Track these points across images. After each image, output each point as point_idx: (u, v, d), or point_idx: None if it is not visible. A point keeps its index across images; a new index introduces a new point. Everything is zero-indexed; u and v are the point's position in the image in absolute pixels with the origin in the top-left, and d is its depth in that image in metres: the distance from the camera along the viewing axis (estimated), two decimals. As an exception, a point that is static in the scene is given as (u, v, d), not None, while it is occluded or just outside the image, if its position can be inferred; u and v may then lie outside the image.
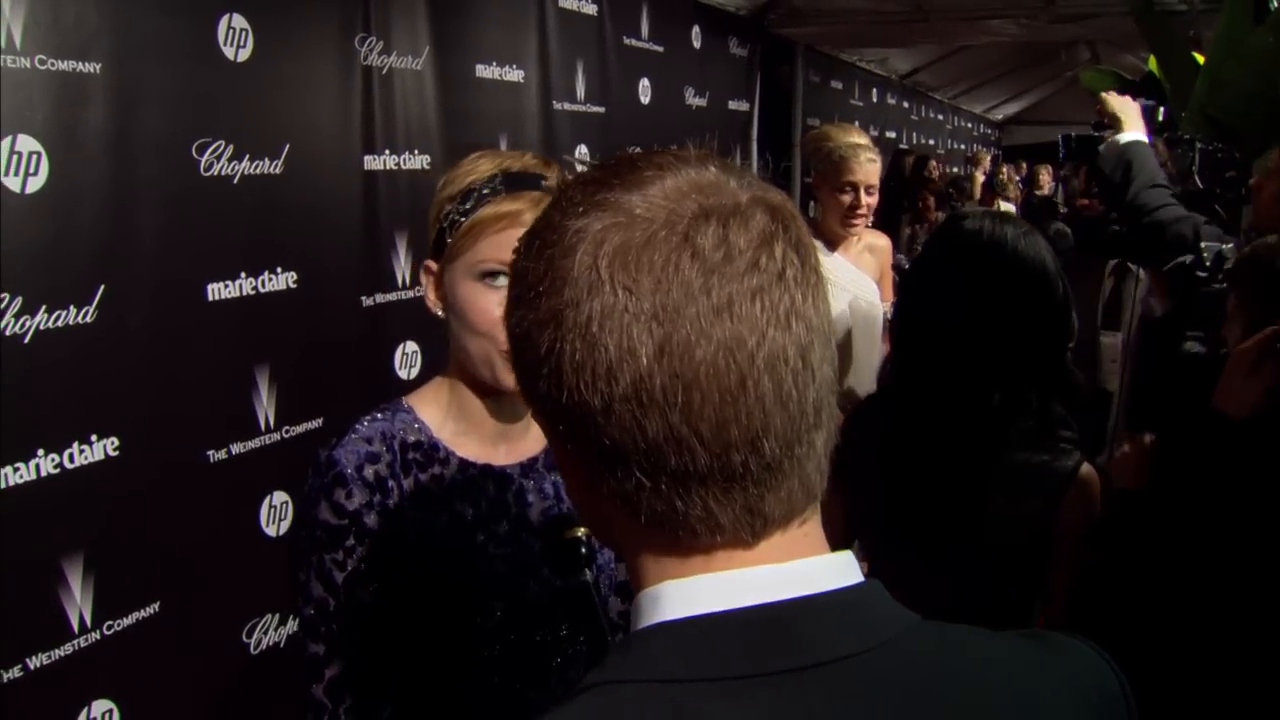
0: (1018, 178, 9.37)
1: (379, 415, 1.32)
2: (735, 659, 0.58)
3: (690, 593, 0.61)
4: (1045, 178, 9.06)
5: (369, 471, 1.26)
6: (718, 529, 0.61)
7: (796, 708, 0.58)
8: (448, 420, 1.34)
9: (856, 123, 7.39)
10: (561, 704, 0.60)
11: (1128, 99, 2.77)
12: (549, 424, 0.64)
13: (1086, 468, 1.62)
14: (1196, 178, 2.68)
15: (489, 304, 1.24)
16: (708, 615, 0.60)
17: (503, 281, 1.23)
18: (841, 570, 0.64)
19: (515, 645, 1.32)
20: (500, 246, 1.22)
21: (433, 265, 1.31)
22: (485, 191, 1.25)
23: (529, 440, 1.38)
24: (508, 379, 1.24)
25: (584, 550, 1.23)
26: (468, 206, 1.25)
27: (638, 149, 0.69)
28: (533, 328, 0.61)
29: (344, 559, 1.24)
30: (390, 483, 1.27)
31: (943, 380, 1.64)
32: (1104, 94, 2.76)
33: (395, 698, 1.28)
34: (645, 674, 0.59)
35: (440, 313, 1.31)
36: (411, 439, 1.30)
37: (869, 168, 2.99)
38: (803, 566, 0.62)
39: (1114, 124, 2.64)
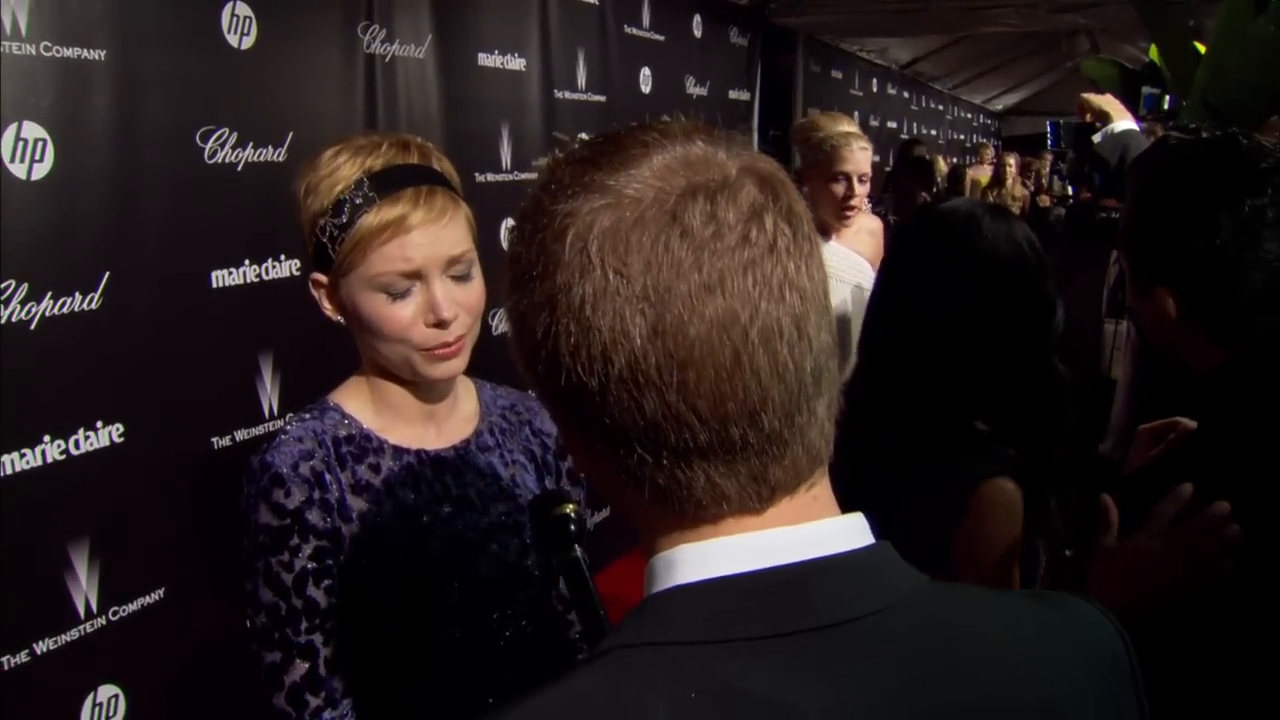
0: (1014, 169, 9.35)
1: (306, 416, 1.31)
2: (751, 620, 0.59)
3: (704, 556, 0.61)
4: (1011, 166, 9.02)
5: (305, 469, 1.24)
6: (724, 499, 0.61)
7: (812, 668, 0.58)
8: (375, 413, 1.33)
9: (856, 113, 7.40)
10: (579, 668, 0.60)
11: (1108, 95, 2.84)
12: (551, 404, 0.65)
13: (993, 483, 1.43)
14: None
15: (395, 313, 1.23)
16: (722, 578, 0.60)
17: (404, 291, 1.22)
18: (853, 532, 0.64)
19: (475, 625, 1.31)
20: (391, 258, 1.21)
21: (321, 279, 1.28)
22: (358, 201, 1.20)
23: (457, 422, 1.38)
24: (430, 371, 1.26)
25: (573, 527, 1.23)
26: (344, 220, 1.21)
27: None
28: (528, 312, 0.62)
29: (290, 559, 1.22)
30: (327, 477, 1.25)
31: (895, 376, 1.53)
32: (1084, 95, 2.83)
33: (361, 694, 1.26)
34: (661, 636, 0.59)
35: (340, 320, 1.29)
36: (343, 433, 1.29)
37: (860, 156, 2.99)
38: (815, 529, 0.63)
39: (1102, 119, 2.71)
